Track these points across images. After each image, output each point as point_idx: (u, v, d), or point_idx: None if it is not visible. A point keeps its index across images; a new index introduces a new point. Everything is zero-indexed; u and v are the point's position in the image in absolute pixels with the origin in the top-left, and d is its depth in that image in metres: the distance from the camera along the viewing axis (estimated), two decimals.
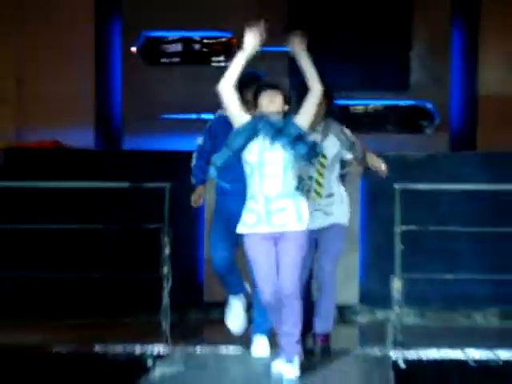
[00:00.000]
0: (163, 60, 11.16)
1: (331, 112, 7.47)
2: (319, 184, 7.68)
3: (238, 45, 6.70)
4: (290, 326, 6.71)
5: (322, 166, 7.66)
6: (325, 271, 7.68)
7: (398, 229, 8.21)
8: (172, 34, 10.83)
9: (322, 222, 7.69)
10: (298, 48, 6.79)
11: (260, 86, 6.81)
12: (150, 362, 7.48)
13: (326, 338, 7.75)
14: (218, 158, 6.70)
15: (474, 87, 11.12)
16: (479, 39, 11.05)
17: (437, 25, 11.06)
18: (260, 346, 7.65)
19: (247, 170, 6.75)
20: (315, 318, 7.73)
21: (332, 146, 7.64)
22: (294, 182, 6.78)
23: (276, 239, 6.71)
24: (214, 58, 10.81)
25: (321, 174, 7.68)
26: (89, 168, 9.95)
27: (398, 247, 8.22)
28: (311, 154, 6.71)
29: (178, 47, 11.21)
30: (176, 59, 11.38)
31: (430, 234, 9.01)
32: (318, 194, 7.69)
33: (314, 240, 7.67)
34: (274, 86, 6.74)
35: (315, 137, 7.37)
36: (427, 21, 10.96)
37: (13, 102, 11.57)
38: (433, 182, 9.17)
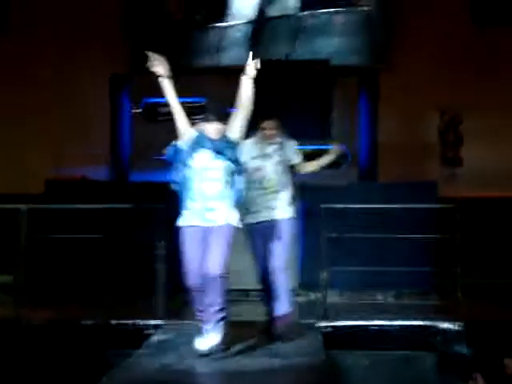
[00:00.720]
0: (159, 118, 11.14)
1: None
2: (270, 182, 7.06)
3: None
4: (211, 298, 6.07)
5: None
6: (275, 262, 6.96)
7: (325, 235, 8.22)
8: (164, 100, 10.81)
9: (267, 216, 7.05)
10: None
11: (207, 118, 6.35)
12: (150, 331, 7.44)
13: (286, 317, 6.99)
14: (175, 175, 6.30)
15: (375, 136, 11.14)
16: (379, 104, 11.09)
17: (349, 94, 11.10)
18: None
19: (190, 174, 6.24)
20: (274, 303, 6.98)
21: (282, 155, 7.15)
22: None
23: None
24: (192, 117, 10.82)
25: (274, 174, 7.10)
26: (105, 194, 9.89)
27: (324, 248, 8.22)
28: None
29: (168, 109, 11.20)
30: (167, 117, 11.33)
31: (346, 239, 8.94)
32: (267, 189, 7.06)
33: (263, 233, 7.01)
34: (219, 119, 6.28)
35: (274, 148, 7.11)
36: (342, 92, 10.99)
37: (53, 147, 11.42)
38: (346, 203, 9.19)
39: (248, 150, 6.97)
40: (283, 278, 7.02)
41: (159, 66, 6.24)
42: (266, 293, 7.12)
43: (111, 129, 11.94)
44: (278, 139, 7.16)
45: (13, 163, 11.34)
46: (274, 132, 7.11)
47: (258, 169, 7.08)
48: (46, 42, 11.66)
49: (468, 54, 10.99)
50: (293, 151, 7.24)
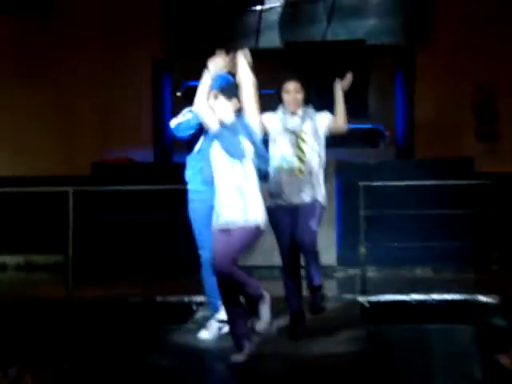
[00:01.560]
0: None
1: (307, 101, 6.31)
2: (301, 161, 6.13)
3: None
4: None
5: (303, 142, 6.16)
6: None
7: (362, 212, 8.24)
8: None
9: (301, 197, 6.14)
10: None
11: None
12: (194, 307, 7.49)
13: (320, 287, 6.17)
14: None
15: (412, 114, 11.11)
16: (415, 83, 11.06)
17: (386, 74, 11.09)
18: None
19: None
20: (310, 274, 6.13)
21: (311, 130, 6.21)
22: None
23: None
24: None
25: (303, 152, 6.16)
26: (150, 175, 10.01)
27: (362, 225, 8.25)
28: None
29: None
30: None
31: (383, 216, 8.97)
32: (300, 170, 6.14)
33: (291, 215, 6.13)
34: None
35: (295, 120, 6.19)
36: (379, 71, 10.98)
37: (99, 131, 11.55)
38: (385, 180, 9.22)
39: (272, 125, 6.20)
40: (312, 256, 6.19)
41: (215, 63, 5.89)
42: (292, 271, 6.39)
43: (154, 112, 12.04)
44: (303, 109, 6.26)
45: (62, 147, 11.47)
46: (298, 96, 6.24)
47: (285, 145, 6.20)
48: (88, 30, 11.73)
49: (505, 34, 10.85)
50: (321, 116, 6.28)
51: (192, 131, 6.23)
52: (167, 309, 7.58)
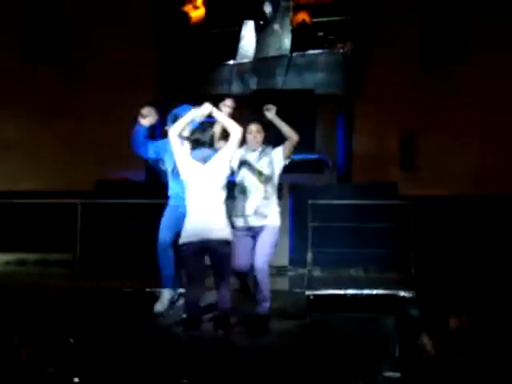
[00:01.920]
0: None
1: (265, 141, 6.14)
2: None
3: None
4: None
5: (260, 177, 5.96)
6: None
7: (310, 224, 8.28)
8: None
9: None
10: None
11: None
12: (176, 297, 7.34)
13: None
14: None
15: (350, 148, 11.14)
16: (353, 123, 11.09)
17: (330, 116, 11.12)
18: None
19: None
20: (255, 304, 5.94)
21: (266, 164, 6.04)
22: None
23: None
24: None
25: (260, 183, 5.94)
26: (142, 191, 9.87)
27: (310, 234, 8.27)
28: None
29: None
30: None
31: (327, 227, 8.97)
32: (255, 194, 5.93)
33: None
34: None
35: (253, 156, 6.02)
36: (324, 114, 11.01)
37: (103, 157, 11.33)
38: (328, 199, 9.24)
39: (237, 158, 5.95)
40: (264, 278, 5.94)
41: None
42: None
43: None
44: (262, 146, 6.08)
45: (72, 168, 11.32)
46: (258, 136, 6.05)
47: (245, 175, 6.00)
48: (96, 74, 11.45)
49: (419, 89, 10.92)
50: (276, 151, 6.09)
51: (139, 139, 6.22)
52: (154, 298, 7.48)
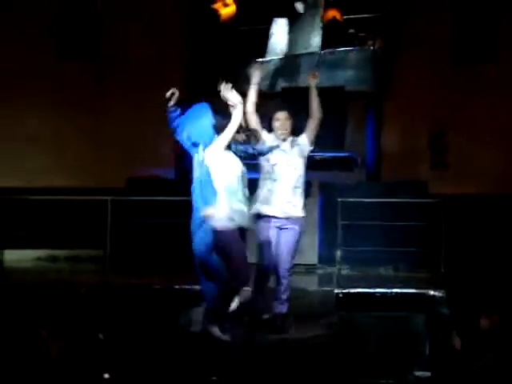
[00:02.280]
0: None
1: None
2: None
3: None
4: None
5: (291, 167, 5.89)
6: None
7: (339, 222, 8.25)
8: None
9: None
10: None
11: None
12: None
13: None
14: None
15: (379, 145, 11.08)
16: (382, 121, 11.02)
17: (359, 113, 11.06)
18: None
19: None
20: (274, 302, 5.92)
21: (297, 153, 5.95)
22: None
23: None
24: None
25: (292, 171, 5.89)
26: (172, 189, 9.79)
27: (339, 232, 8.25)
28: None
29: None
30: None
31: (357, 225, 8.92)
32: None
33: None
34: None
35: (286, 146, 5.91)
36: (354, 111, 10.94)
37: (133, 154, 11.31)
38: (358, 197, 9.20)
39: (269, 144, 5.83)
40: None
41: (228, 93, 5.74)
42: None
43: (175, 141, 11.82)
44: (292, 136, 5.98)
45: (105, 165, 11.35)
46: (287, 123, 5.95)
47: (274, 164, 5.89)
48: (125, 71, 11.39)
49: (447, 88, 10.81)
50: (302, 138, 6.00)
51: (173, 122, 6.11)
52: (183, 295, 7.52)
